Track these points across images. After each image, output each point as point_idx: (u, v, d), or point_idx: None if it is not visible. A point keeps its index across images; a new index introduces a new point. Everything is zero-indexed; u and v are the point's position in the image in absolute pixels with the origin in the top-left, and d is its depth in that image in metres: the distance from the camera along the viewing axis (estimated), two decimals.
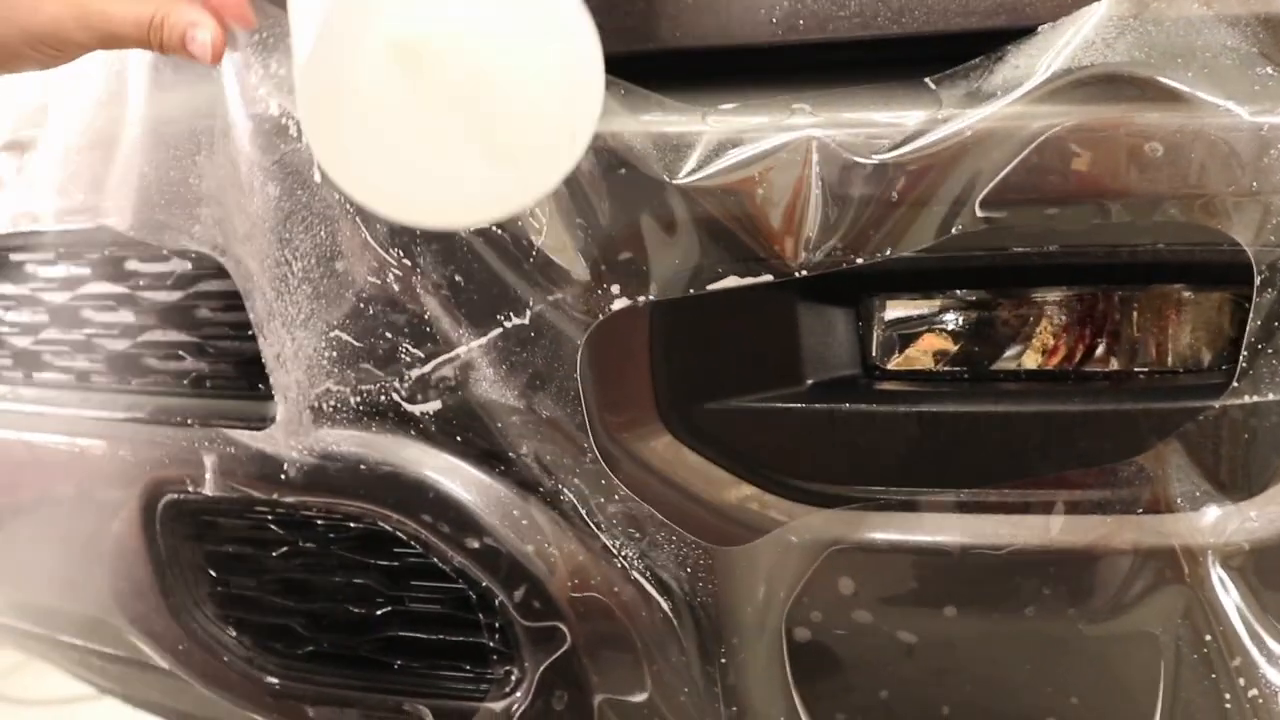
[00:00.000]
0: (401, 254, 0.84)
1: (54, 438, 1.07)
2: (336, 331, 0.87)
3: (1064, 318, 0.82)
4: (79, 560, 1.08)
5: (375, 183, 0.67)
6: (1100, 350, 0.82)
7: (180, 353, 1.02)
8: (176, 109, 0.92)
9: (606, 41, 0.83)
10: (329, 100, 0.65)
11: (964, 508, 0.81)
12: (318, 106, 0.65)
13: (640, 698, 0.87)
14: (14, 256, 1.13)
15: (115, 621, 1.07)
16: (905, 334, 0.85)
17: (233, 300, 0.97)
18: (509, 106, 0.66)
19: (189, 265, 0.98)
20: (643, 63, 0.84)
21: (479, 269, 0.82)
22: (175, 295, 1.01)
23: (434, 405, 0.86)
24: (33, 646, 1.31)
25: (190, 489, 0.96)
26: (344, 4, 0.63)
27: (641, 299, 0.80)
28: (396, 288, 0.85)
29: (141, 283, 1.03)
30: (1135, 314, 0.81)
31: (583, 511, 0.84)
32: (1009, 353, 0.83)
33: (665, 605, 0.84)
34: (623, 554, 0.84)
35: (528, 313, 0.82)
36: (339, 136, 0.66)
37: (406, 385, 0.86)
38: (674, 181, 0.79)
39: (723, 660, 0.85)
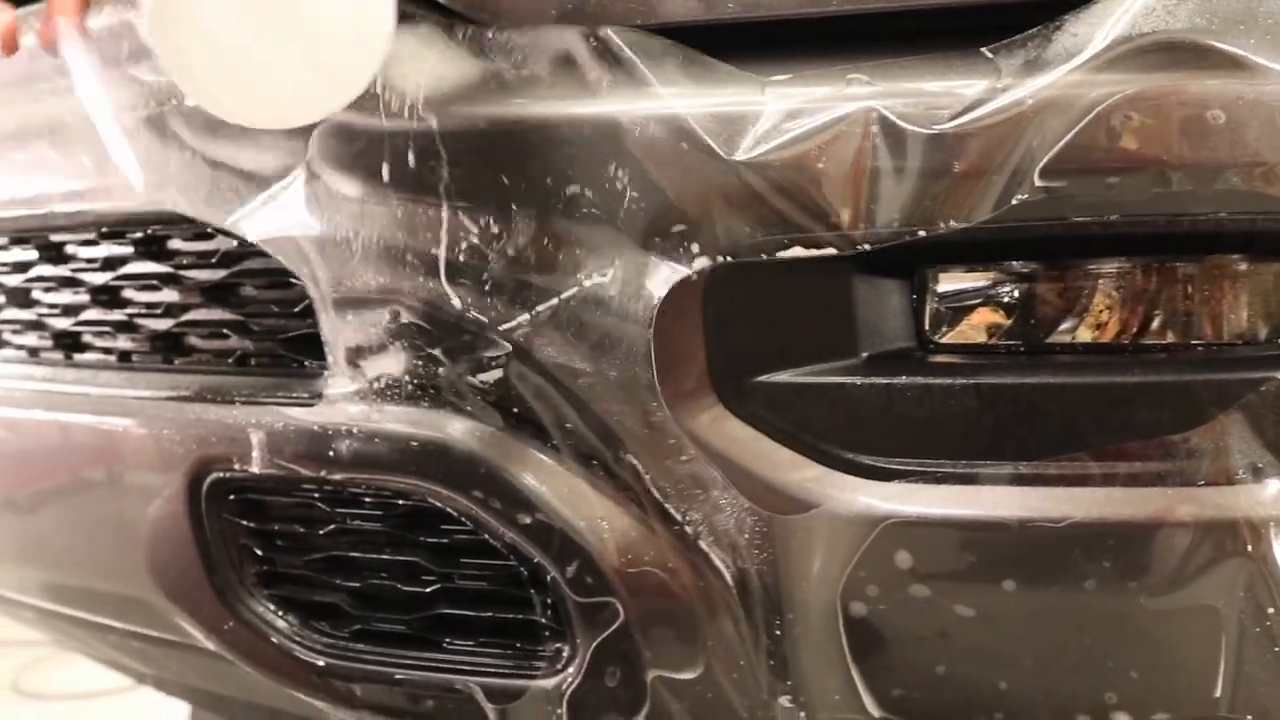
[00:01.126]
0: (477, 218, 0.84)
1: (95, 418, 1.07)
2: (398, 305, 0.86)
3: (1120, 290, 0.82)
4: (120, 541, 1.08)
5: (214, 90, 0.80)
6: (1156, 323, 0.82)
7: (225, 331, 1.02)
8: None
9: (658, 12, 0.84)
10: (172, 16, 0.78)
11: (1021, 480, 0.81)
12: (162, 19, 0.78)
13: (693, 674, 0.87)
14: (54, 237, 1.13)
15: (158, 602, 1.07)
16: (958, 307, 0.84)
17: (278, 277, 0.97)
18: (315, 25, 0.79)
19: (234, 243, 0.98)
20: (695, 35, 0.84)
21: (566, 225, 0.82)
22: (219, 273, 1.01)
23: (494, 374, 0.85)
24: (63, 628, 1.31)
25: (236, 467, 0.96)
26: None
27: (700, 269, 0.80)
28: (465, 256, 0.84)
29: (185, 261, 1.03)
30: (1193, 286, 0.81)
31: (645, 479, 0.84)
32: (1063, 326, 0.83)
33: (725, 574, 0.83)
34: (683, 520, 0.84)
35: (610, 271, 0.81)
36: (181, 47, 0.78)
37: (467, 357, 0.86)
38: (733, 157, 0.78)
39: (778, 633, 0.84)
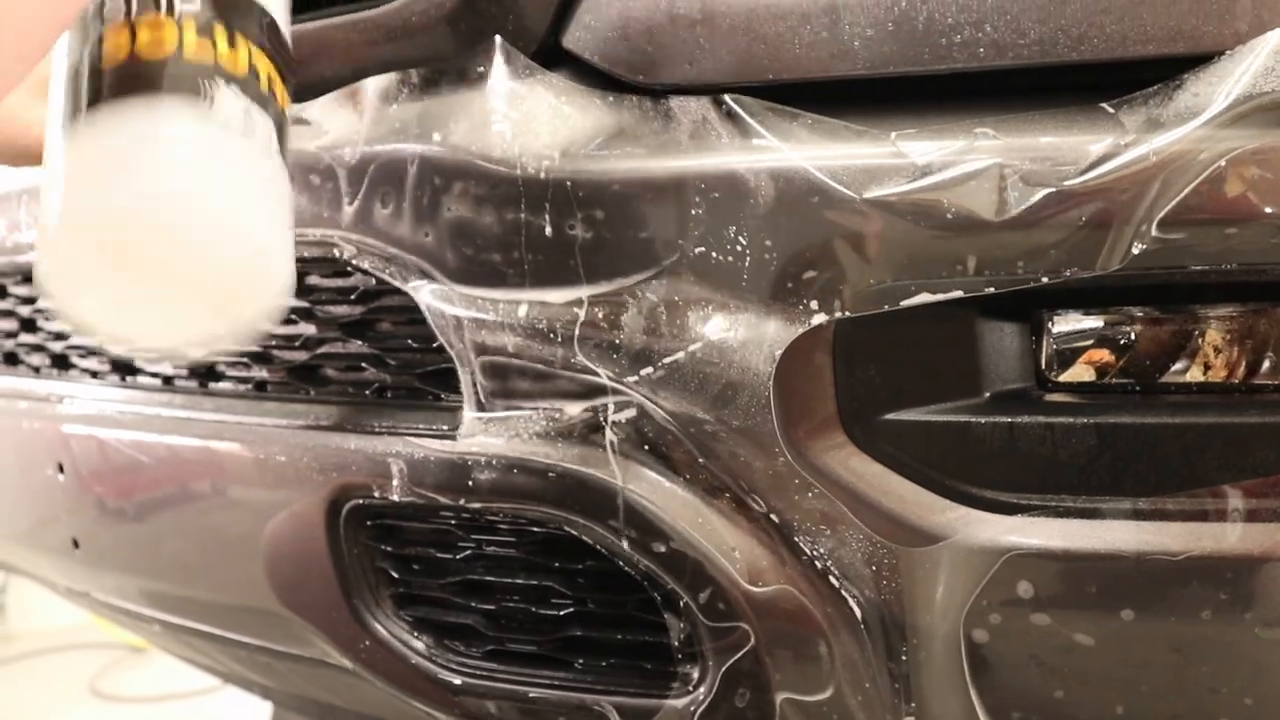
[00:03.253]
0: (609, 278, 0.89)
1: (236, 446, 1.12)
2: (534, 351, 0.91)
3: (1230, 333, 0.85)
4: (256, 562, 1.13)
5: (107, 323, 0.79)
6: (1268, 364, 0.85)
7: (362, 364, 1.07)
8: None
9: (786, 70, 0.88)
10: (73, 256, 0.76)
11: (1140, 515, 0.84)
12: (61, 261, 0.77)
13: (820, 696, 0.91)
14: None
15: (294, 621, 1.12)
16: (1072, 348, 0.88)
17: (414, 314, 1.01)
18: (208, 271, 0.77)
19: (373, 281, 1.03)
20: (820, 91, 0.88)
21: (694, 280, 0.87)
22: (357, 310, 1.06)
23: (626, 415, 0.90)
24: (194, 643, 1.36)
25: (376, 494, 1.01)
26: (83, 174, 0.76)
27: (831, 316, 0.84)
28: (599, 312, 0.89)
29: (322, 297, 1.08)
30: None
31: (772, 514, 0.88)
32: (1174, 367, 0.87)
33: (852, 602, 0.88)
34: (811, 551, 0.88)
35: (732, 326, 0.86)
36: (77, 284, 0.78)
37: (597, 403, 0.90)
38: (863, 197, 0.82)
39: (903, 657, 0.88)
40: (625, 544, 0.92)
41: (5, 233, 1.32)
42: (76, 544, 1.30)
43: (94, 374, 1.34)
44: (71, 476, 1.29)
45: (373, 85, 0.99)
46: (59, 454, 1.31)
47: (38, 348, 1.41)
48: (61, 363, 1.38)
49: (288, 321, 1.12)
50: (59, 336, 1.37)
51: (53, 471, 1.31)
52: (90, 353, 1.34)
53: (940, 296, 0.83)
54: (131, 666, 3.64)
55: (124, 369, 1.30)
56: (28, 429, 1.36)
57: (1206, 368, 0.86)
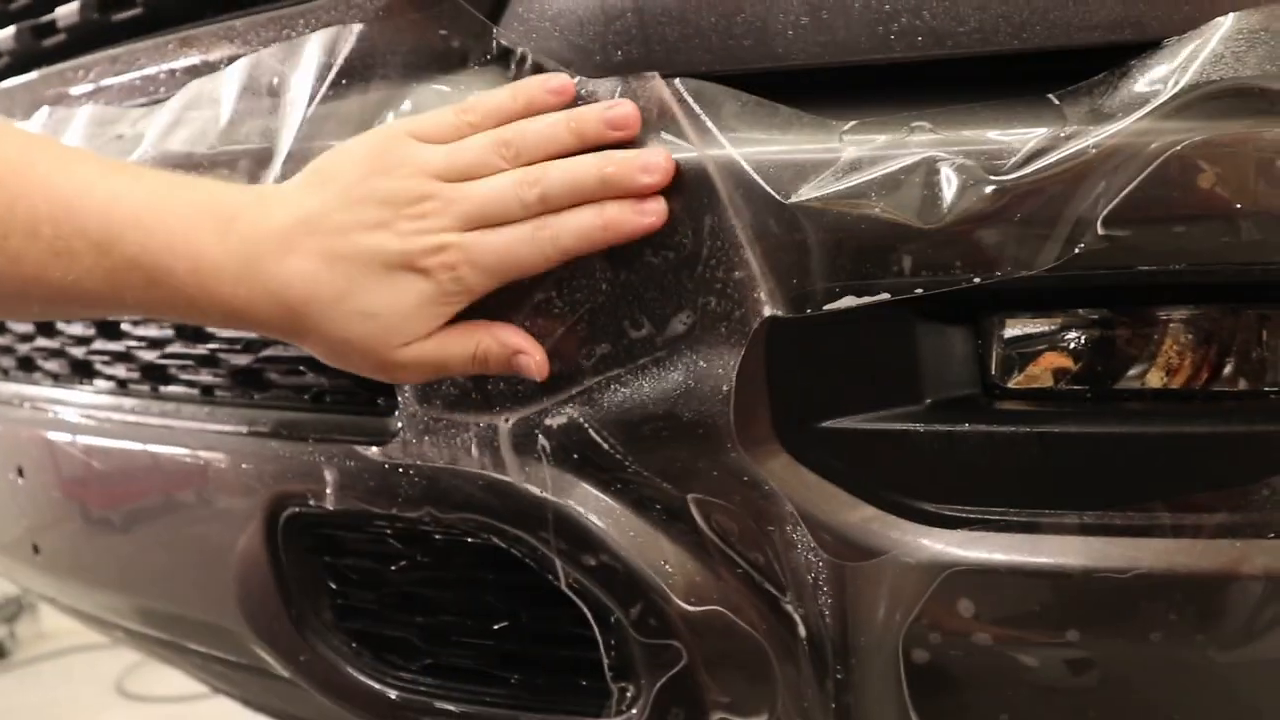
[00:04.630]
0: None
1: (180, 450, 1.10)
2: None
3: (1189, 336, 0.80)
4: (204, 572, 1.11)
5: None
6: (1228, 369, 0.80)
7: (300, 368, 1.04)
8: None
9: (720, 61, 0.84)
10: None
11: (1087, 530, 0.80)
12: None
13: (756, 717, 0.87)
14: None
15: (239, 630, 1.09)
16: (1025, 352, 0.84)
17: None
18: None
19: None
20: (756, 82, 0.84)
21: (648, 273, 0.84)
22: None
23: (558, 422, 0.86)
24: (156, 650, 1.34)
25: (312, 503, 0.98)
26: None
27: (760, 319, 0.80)
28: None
29: None
30: (1266, 333, 0.79)
31: (708, 523, 0.84)
32: (1132, 371, 0.82)
33: (790, 619, 0.84)
34: (746, 564, 0.84)
35: (686, 319, 0.83)
36: None
37: (533, 404, 0.87)
38: (790, 201, 0.78)
39: (840, 677, 0.84)
40: (554, 555, 0.88)
41: None
42: (37, 549, 1.29)
43: (55, 377, 1.32)
44: (31, 480, 1.28)
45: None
46: (19, 457, 1.29)
47: (6, 349, 1.40)
48: (26, 365, 1.37)
49: None
50: (25, 339, 1.36)
51: (14, 475, 1.30)
52: (54, 354, 1.32)
53: (867, 300, 0.78)
54: (158, 666, 3.64)
55: (83, 371, 1.28)
56: None
57: (1166, 372, 0.81)
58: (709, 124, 0.81)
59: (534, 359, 0.85)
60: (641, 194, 0.81)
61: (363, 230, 0.81)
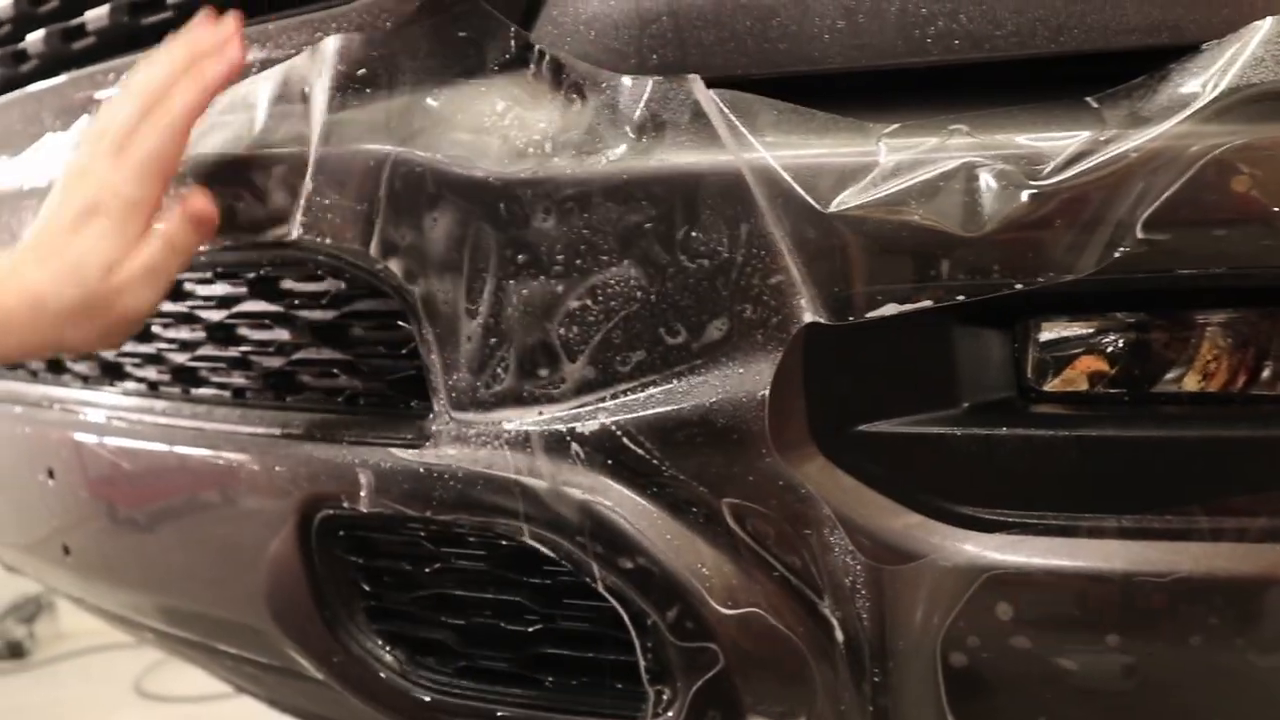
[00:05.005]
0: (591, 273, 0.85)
1: (212, 452, 1.10)
2: (510, 356, 0.88)
3: (1228, 339, 0.80)
4: (237, 573, 1.11)
5: None
6: (1266, 373, 0.80)
7: (334, 370, 1.04)
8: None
9: (755, 65, 0.84)
10: None
11: (1126, 533, 0.80)
12: None
13: None
14: None
15: (271, 632, 1.09)
16: (1061, 356, 0.84)
17: (386, 319, 0.99)
18: None
19: (343, 285, 1.00)
20: (791, 88, 0.84)
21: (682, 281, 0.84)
22: (330, 314, 1.03)
23: (592, 426, 0.86)
24: (186, 652, 1.35)
25: (345, 505, 0.98)
26: None
27: (799, 325, 0.80)
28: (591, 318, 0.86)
29: (296, 301, 1.06)
30: None
31: (745, 527, 0.84)
32: (1169, 375, 0.82)
33: (826, 622, 0.84)
34: (783, 567, 0.84)
35: (721, 326, 0.83)
36: None
37: (568, 407, 0.87)
38: (829, 210, 0.78)
39: (876, 680, 0.84)
40: (591, 559, 0.88)
41: None
42: (67, 550, 1.29)
43: (85, 379, 1.33)
44: (61, 482, 1.28)
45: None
46: (50, 459, 1.29)
47: None
48: (56, 366, 1.37)
49: (263, 327, 1.10)
50: None
51: (44, 477, 1.30)
52: (83, 355, 1.32)
53: (908, 307, 0.78)
54: (177, 666, 3.65)
55: (113, 373, 1.29)
56: (21, 434, 1.35)
57: (1203, 376, 0.81)
58: (745, 130, 0.81)
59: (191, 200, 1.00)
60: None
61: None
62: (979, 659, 0.83)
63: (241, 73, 1.00)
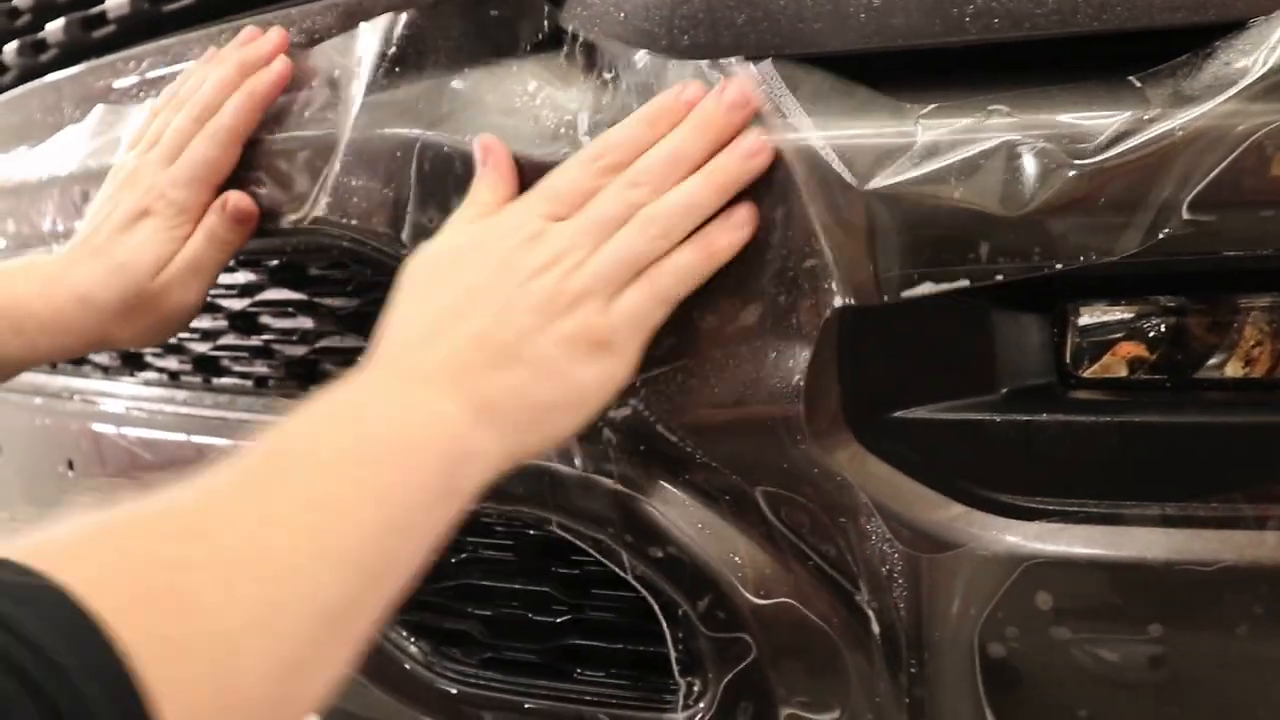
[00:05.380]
0: None
1: (232, 442, 1.09)
2: None
3: (1273, 324, 0.79)
4: None
5: None
6: None
7: (358, 359, 1.03)
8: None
9: (789, 45, 0.83)
10: None
11: (1169, 521, 0.78)
12: None
13: (827, 713, 0.86)
14: None
15: None
16: (1101, 341, 0.82)
17: None
18: None
19: (368, 272, 0.99)
20: (825, 67, 0.82)
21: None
22: (354, 302, 1.02)
23: (623, 413, 0.85)
24: None
25: None
26: None
27: (833, 307, 0.79)
28: None
29: (320, 289, 1.05)
30: None
31: (778, 515, 0.83)
32: (1212, 360, 0.80)
33: (861, 612, 0.82)
34: (818, 558, 0.83)
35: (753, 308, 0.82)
36: None
37: None
38: (867, 188, 0.77)
39: (913, 671, 0.83)
40: (620, 548, 0.87)
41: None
42: None
43: (105, 369, 1.32)
44: (81, 474, 1.27)
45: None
46: (70, 451, 1.28)
47: None
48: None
49: (287, 315, 1.09)
50: None
51: (64, 468, 1.29)
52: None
53: (945, 286, 0.77)
54: None
55: (133, 363, 1.28)
56: (41, 425, 1.34)
57: (1246, 362, 0.80)
58: (790, 107, 0.80)
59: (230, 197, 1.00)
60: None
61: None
62: (1018, 650, 0.81)
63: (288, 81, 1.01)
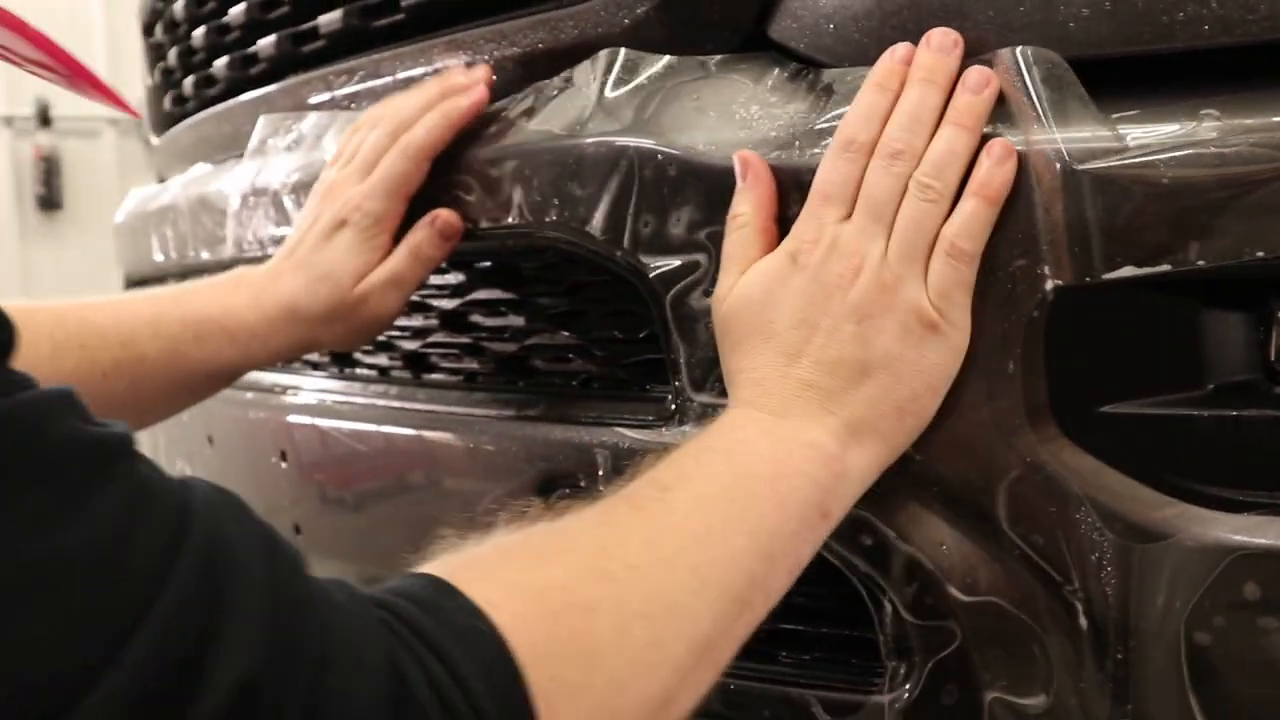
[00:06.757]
0: None
1: (443, 434, 1.15)
2: None
3: None
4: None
5: None
6: None
7: (569, 355, 1.08)
8: None
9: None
10: None
11: None
12: None
13: (1031, 698, 0.88)
14: None
15: None
16: None
17: (620, 305, 1.03)
18: None
19: (581, 274, 1.04)
20: None
21: None
22: (564, 301, 1.07)
23: None
24: None
25: (582, 484, 1.02)
26: None
27: (1043, 299, 0.82)
28: None
29: (531, 290, 1.10)
30: None
31: (986, 505, 0.86)
32: None
33: (1067, 600, 0.85)
34: (1025, 548, 0.85)
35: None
36: None
37: None
38: (1079, 168, 0.80)
39: (1118, 658, 0.85)
40: (829, 536, 0.91)
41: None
42: (299, 530, 1.35)
43: (314, 365, 1.39)
44: (294, 465, 1.35)
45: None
46: (283, 443, 1.36)
47: None
48: None
49: (498, 314, 1.14)
50: None
51: (276, 459, 1.37)
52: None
53: (1147, 270, 0.79)
54: None
55: (343, 360, 1.35)
56: (254, 419, 1.42)
57: None
58: (1036, 102, 0.83)
59: (441, 214, 1.06)
60: None
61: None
62: (1224, 640, 0.83)
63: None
